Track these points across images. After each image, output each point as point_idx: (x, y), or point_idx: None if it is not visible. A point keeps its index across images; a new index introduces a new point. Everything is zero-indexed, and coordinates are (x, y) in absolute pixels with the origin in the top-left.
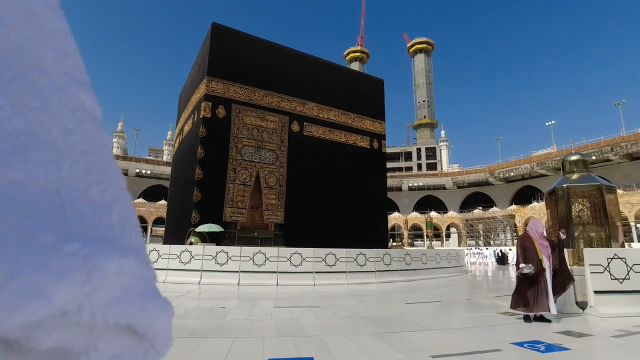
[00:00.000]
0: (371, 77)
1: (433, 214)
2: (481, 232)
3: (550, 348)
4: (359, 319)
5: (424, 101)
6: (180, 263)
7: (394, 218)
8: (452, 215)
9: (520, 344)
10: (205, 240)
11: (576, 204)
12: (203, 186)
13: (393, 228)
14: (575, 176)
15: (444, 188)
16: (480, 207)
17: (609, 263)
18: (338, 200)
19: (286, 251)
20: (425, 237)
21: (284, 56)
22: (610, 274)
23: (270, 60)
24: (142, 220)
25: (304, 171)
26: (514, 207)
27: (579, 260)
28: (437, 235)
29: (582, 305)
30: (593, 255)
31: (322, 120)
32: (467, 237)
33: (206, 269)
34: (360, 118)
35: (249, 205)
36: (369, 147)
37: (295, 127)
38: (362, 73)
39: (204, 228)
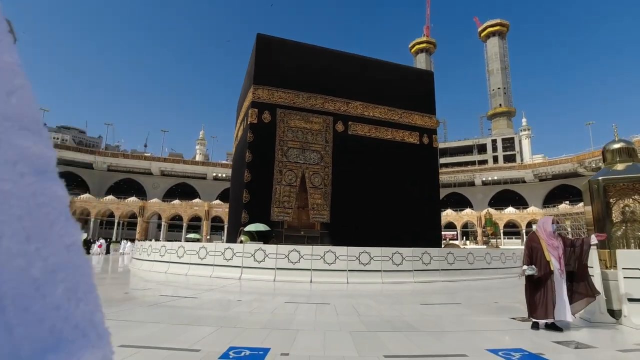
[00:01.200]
0: (420, 70)
1: (509, 210)
2: (569, 229)
3: (525, 358)
4: (354, 317)
5: (498, 88)
6: (223, 260)
7: (466, 215)
8: (533, 210)
9: (495, 351)
10: (254, 239)
11: (617, 199)
12: (251, 188)
13: (466, 225)
14: (620, 167)
15: (524, 181)
16: (567, 202)
17: None
18: (386, 198)
19: (320, 249)
20: (501, 234)
21: (326, 58)
22: None
23: (313, 64)
24: (220, 220)
25: (350, 170)
26: None
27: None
28: (515, 233)
29: (617, 314)
30: (627, 257)
31: (368, 118)
32: None
33: (246, 265)
34: (408, 113)
35: (296, 205)
36: (418, 142)
37: (340, 127)
38: (410, 67)
39: (251, 227)
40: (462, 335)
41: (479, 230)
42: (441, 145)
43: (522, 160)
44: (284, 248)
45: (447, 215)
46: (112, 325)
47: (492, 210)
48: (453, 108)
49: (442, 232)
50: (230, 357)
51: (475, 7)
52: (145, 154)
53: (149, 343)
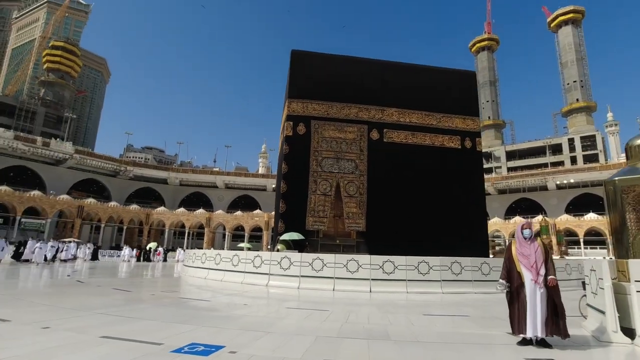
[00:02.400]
0: (460, 71)
1: (590, 215)
2: None
3: None
4: (336, 324)
5: (574, 81)
6: (253, 267)
7: (537, 222)
8: None
9: None
10: (291, 247)
11: (637, 203)
12: (287, 198)
13: (537, 234)
14: None
15: None
16: None
17: None
18: (425, 205)
19: (343, 257)
20: (581, 243)
21: (360, 67)
22: None
23: (346, 74)
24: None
25: (386, 178)
26: None
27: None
28: (600, 242)
29: (632, 333)
30: None
31: (404, 124)
32: None
33: (273, 272)
34: (448, 117)
35: (331, 214)
36: (459, 147)
37: (375, 134)
38: (449, 69)
39: (286, 236)
40: (435, 347)
41: (554, 239)
42: (508, 148)
43: (606, 160)
44: (308, 256)
45: (516, 222)
46: (111, 320)
47: (570, 218)
48: (521, 107)
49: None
50: (183, 350)
51: None
52: (213, 169)
53: (125, 336)
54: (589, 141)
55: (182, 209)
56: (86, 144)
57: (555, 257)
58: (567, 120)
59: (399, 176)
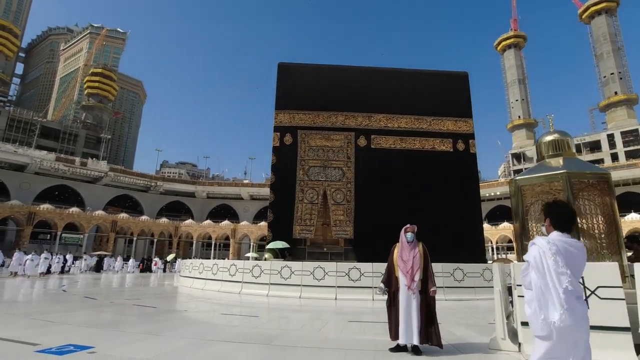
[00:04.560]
0: (451, 73)
1: (632, 216)
2: None
3: None
4: (238, 329)
5: (612, 74)
6: (229, 275)
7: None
8: None
9: None
10: (278, 256)
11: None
12: (275, 208)
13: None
14: (553, 163)
15: None
16: None
17: None
18: (415, 210)
19: (310, 265)
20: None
21: (346, 76)
22: None
23: (333, 83)
24: None
25: (374, 184)
26: None
27: None
28: None
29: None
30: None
31: (392, 130)
32: None
33: (246, 280)
34: (439, 120)
35: (319, 223)
36: (451, 149)
37: (362, 141)
38: (439, 71)
39: (271, 245)
40: (302, 351)
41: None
42: None
43: None
44: (277, 264)
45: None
46: (32, 323)
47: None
48: (555, 104)
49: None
50: (52, 350)
51: None
52: (242, 181)
53: (18, 338)
54: (631, 136)
55: (208, 221)
56: (126, 161)
57: None
58: (605, 115)
59: (388, 182)
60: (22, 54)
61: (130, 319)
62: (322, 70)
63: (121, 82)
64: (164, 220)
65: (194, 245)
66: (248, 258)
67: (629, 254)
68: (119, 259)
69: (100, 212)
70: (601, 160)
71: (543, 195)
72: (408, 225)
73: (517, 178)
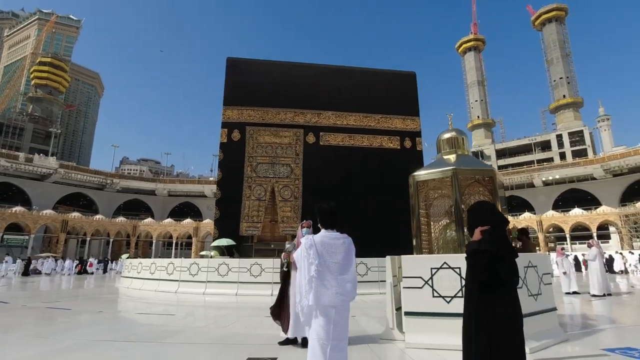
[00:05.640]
0: (399, 72)
1: (576, 211)
2: None
3: None
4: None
5: (560, 78)
6: (189, 275)
7: (524, 219)
8: (604, 211)
9: None
10: (224, 253)
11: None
12: (221, 204)
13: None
14: (452, 158)
15: (593, 178)
16: None
17: (433, 275)
18: (361, 206)
19: (247, 262)
20: (568, 239)
21: (296, 72)
22: (434, 290)
23: (283, 80)
24: None
25: (322, 181)
26: None
27: None
28: (587, 237)
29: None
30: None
31: (340, 127)
32: (633, 238)
33: (210, 279)
34: (387, 118)
35: (266, 219)
36: (399, 147)
37: (311, 138)
38: (388, 70)
39: (216, 243)
40: (170, 347)
41: (540, 236)
42: (498, 146)
43: (595, 154)
44: (214, 262)
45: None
46: None
47: (555, 214)
48: (511, 105)
49: None
50: None
51: None
52: (206, 179)
53: None
54: (577, 137)
55: (169, 220)
56: (81, 158)
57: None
58: (555, 117)
59: (336, 179)
60: None
61: (28, 322)
62: (272, 67)
63: (75, 73)
64: (121, 219)
65: (153, 244)
66: (206, 256)
67: (518, 245)
68: (50, 260)
69: (48, 212)
70: (551, 159)
71: (435, 191)
72: (304, 221)
73: (415, 174)
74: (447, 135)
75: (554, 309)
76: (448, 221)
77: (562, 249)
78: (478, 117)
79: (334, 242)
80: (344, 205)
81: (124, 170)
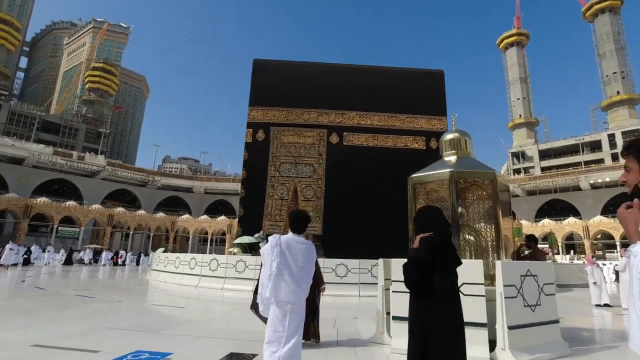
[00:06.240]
0: (427, 70)
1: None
2: None
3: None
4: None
5: (614, 73)
6: (209, 270)
7: (568, 224)
8: None
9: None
10: (246, 250)
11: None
12: (245, 203)
13: (570, 237)
14: (453, 160)
15: None
16: None
17: None
18: (383, 207)
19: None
20: (618, 247)
21: (321, 73)
22: None
23: (307, 80)
24: None
25: (345, 181)
26: None
27: None
28: None
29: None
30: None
31: (364, 127)
32: None
33: (228, 276)
34: (412, 118)
35: (287, 218)
36: (424, 147)
37: (335, 138)
38: (415, 69)
39: (239, 240)
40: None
41: (586, 243)
42: (542, 147)
43: None
44: (233, 259)
45: (544, 225)
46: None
47: (604, 219)
48: (555, 104)
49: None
50: None
51: None
52: (235, 177)
53: None
54: (632, 136)
55: (204, 216)
56: (128, 156)
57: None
58: (607, 115)
59: (358, 179)
60: (26, 48)
61: (51, 307)
62: (296, 67)
63: (124, 77)
64: (160, 214)
65: (190, 240)
66: (231, 253)
67: (527, 252)
68: (87, 251)
69: (97, 206)
70: (601, 160)
71: (433, 193)
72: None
73: (413, 175)
74: (449, 136)
75: (556, 321)
76: None
77: (593, 256)
78: (520, 115)
79: (298, 245)
80: (368, 206)
81: (166, 168)
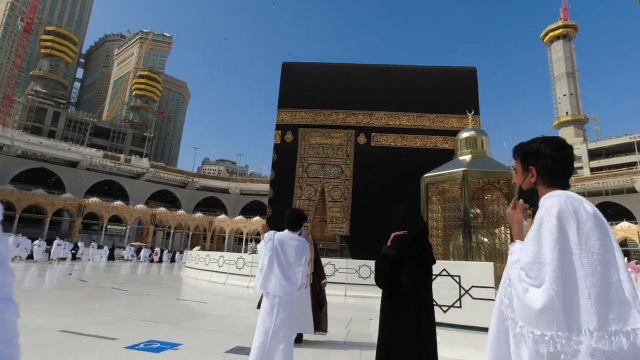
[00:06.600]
0: (458, 68)
1: None
2: None
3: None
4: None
5: None
6: (236, 268)
7: (621, 229)
8: None
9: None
10: None
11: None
12: (274, 204)
13: (624, 242)
14: (468, 158)
15: None
16: None
17: None
18: (416, 209)
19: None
20: None
21: (349, 73)
22: None
23: (335, 81)
24: None
25: (372, 182)
26: None
27: None
28: None
29: None
30: None
31: (393, 127)
32: None
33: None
34: (443, 117)
35: (316, 219)
36: (454, 147)
37: (362, 139)
38: (446, 67)
39: None
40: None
41: None
42: (591, 146)
43: None
44: (235, 255)
45: None
46: None
47: None
48: (608, 99)
49: None
50: None
51: None
52: (269, 178)
53: None
54: None
55: (240, 217)
56: (170, 159)
57: None
58: None
59: (386, 180)
60: (82, 60)
61: (87, 298)
62: (324, 68)
63: (166, 83)
64: (198, 214)
65: (226, 239)
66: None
67: None
68: (128, 248)
69: (141, 206)
70: None
71: (446, 193)
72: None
73: (426, 175)
74: (464, 135)
75: None
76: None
77: (637, 263)
78: (567, 113)
79: (290, 241)
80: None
81: (205, 170)
